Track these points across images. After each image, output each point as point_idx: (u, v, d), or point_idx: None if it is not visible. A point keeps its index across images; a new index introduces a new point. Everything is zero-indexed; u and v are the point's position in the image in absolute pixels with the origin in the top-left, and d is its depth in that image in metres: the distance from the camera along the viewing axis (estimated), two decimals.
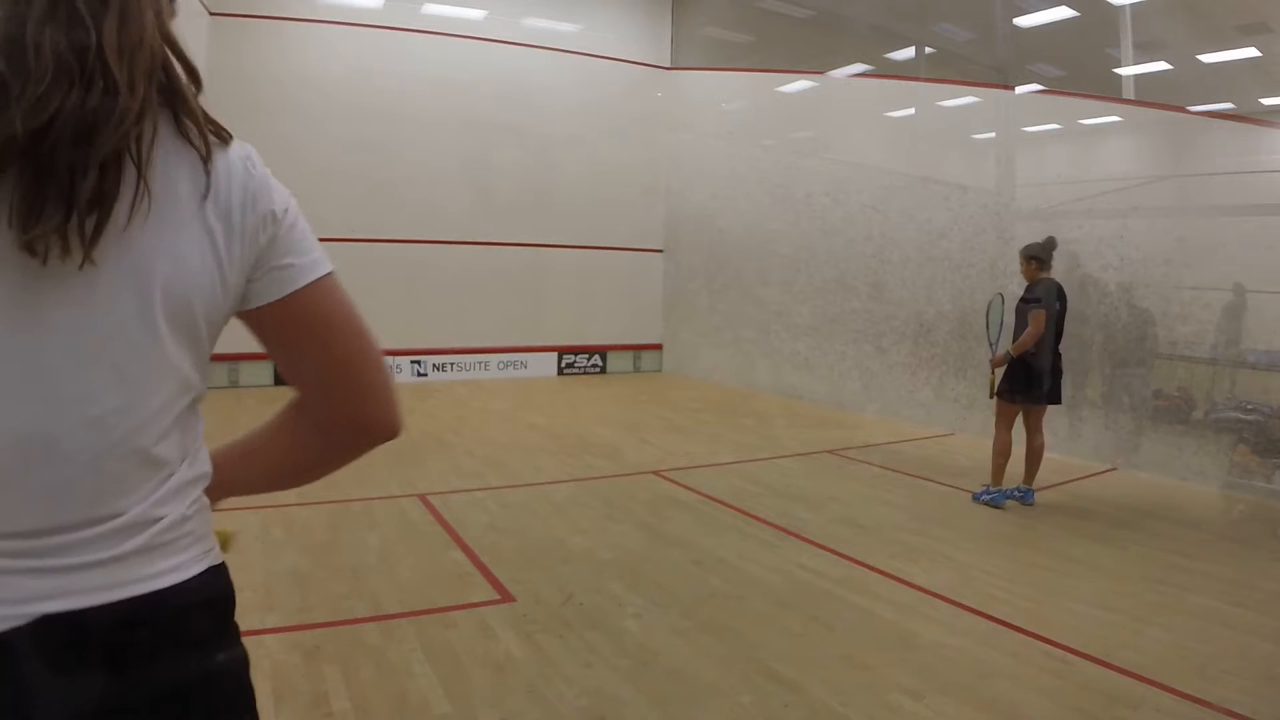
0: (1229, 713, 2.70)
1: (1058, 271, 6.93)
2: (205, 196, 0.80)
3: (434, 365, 10.86)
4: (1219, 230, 6.27)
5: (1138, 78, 7.16)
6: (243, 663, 0.88)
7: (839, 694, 2.81)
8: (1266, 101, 6.93)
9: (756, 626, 3.37)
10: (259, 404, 8.88)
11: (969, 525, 4.93)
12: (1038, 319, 5.13)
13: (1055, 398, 5.34)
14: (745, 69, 11.61)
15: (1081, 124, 7.71)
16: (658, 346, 12.62)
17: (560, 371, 11.73)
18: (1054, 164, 7.81)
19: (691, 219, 11.94)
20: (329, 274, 0.99)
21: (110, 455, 0.77)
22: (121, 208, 0.73)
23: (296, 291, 0.92)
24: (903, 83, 9.26)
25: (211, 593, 0.86)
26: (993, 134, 8.32)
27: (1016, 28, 8.13)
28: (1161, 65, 7.38)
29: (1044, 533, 4.77)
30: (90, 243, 0.71)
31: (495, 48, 11.05)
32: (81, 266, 0.71)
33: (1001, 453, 5.28)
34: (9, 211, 0.69)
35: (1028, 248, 5.41)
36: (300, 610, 3.42)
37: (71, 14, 0.71)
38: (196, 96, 0.87)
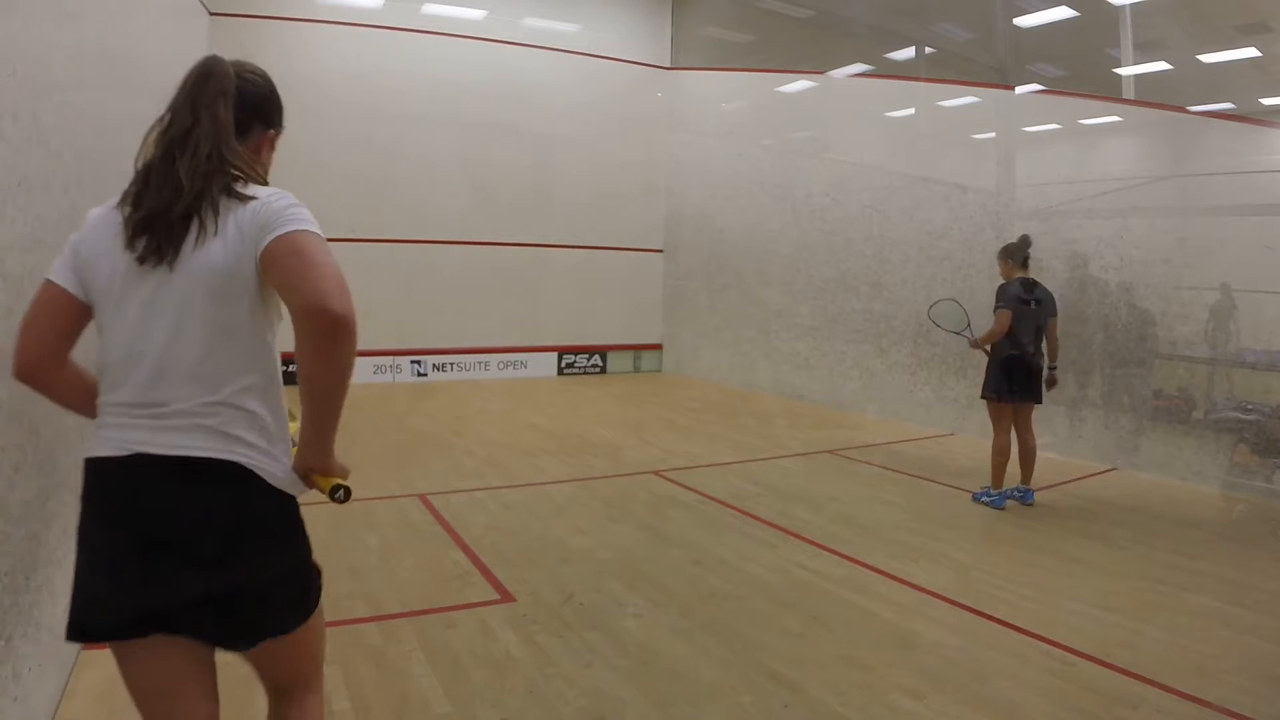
0: (1229, 713, 2.70)
1: (1058, 272, 6.97)
2: (237, 224, 1.49)
3: (434, 365, 10.86)
4: (1219, 230, 6.27)
5: (1138, 78, 7.16)
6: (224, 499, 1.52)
7: (839, 694, 2.81)
8: (1266, 101, 6.92)
9: (756, 626, 3.37)
10: None
11: (969, 525, 4.93)
12: (998, 318, 5.22)
13: (1036, 396, 5.32)
14: (745, 69, 11.61)
15: (1081, 124, 7.71)
16: (658, 346, 12.63)
17: (560, 371, 11.74)
18: (1054, 164, 7.81)
19: (691, 219, 11.94)
20: (299, 230, 1.49)
21: (168, 367, 1.47)
22: (189, 242, 1.47)
23: (272, 240, 1.46)
24: (903, 83, 9.26)
25: (213, 468, 1.47)
26: (993, 134, 8.32)
27: (1016, 28, 8.13)
28: (1161, 65, 7.38)
29: (1044, 533, 4.77)
30: (169, 259, 1.47)
31: (495, 48, 11.05)
32: (171, 268, 1.47)
33: (1000, 453, 5.27)
34: (127, 242, 1.49)
35: (1003, 247, 5.48)
36: None
37: (167, 158, 1.50)
38: (249, 180, 1.55)
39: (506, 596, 3.63)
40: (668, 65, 12.34)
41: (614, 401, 9.70)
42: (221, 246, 1.46)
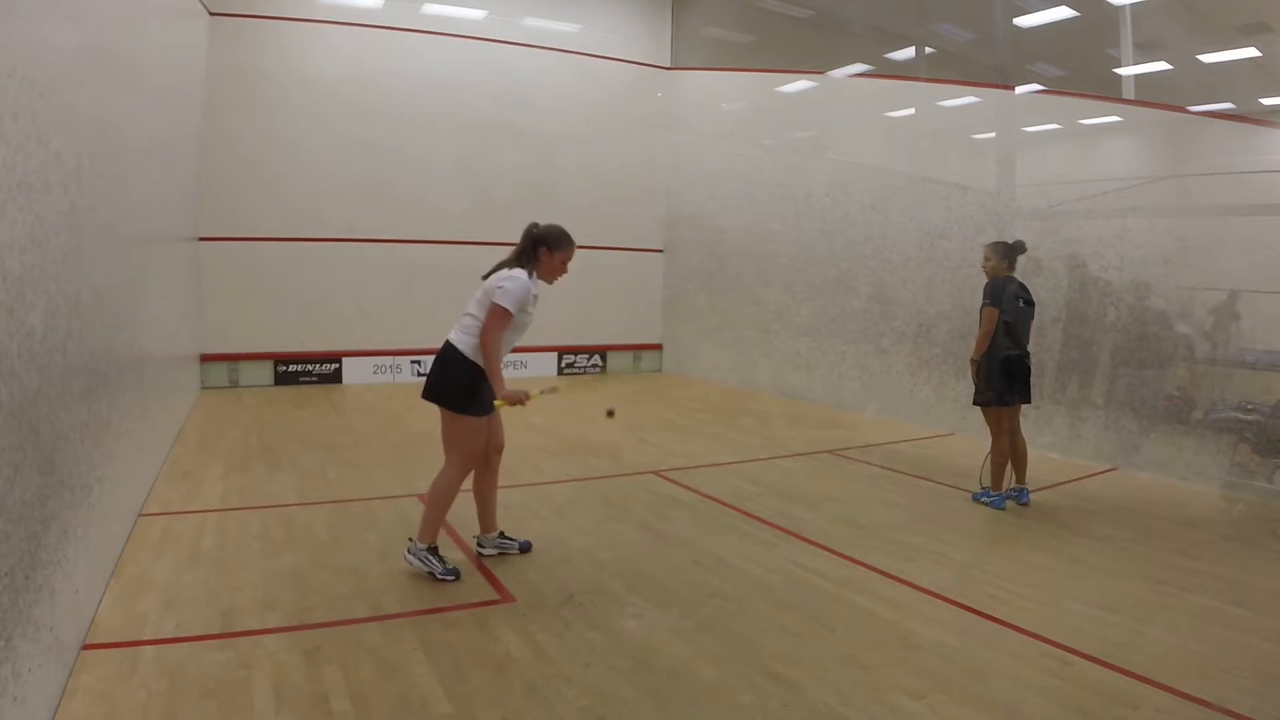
0: (1229, 713, 2.70)
1: (1058, 272, 6.97)
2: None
3: None
4: (1219, 230, 6.27)
5: (1138, 78, 7.16)
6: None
7: (839, 694, 2.81)
8: (1266, 101, 6.92)
9: (756, 626, 3.37)
10: (258, 402, 8.88)
11: (969, 525, 4.93)
12: (987, 316, 5.16)
13: (1025, 396, 5.30)
14: (745, 69, 11.60)
15: (1081, 124, 7.71)
16: (658, 346, 12.62)
17: (560, 371, 11.73)
18: (1054, 164, 7.81)
19: (691, 219, 11.94)
20: (496, 305, 3.65)
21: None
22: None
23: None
24: (903, 83, 9.26)
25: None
26: (993, 134, 8.32)
27: (1016, 28, 8.13)
28: (1161, 65, 7.37)
29: (1044, 533, 4.77)
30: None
31: (495, 48, 11.05)
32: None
33: (1002, 455, 5.25)
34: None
35: (999, 244, 5.38)
36: (300, 610, 3.42)
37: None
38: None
39: (506, 596, 3.63)
40: (668, 65, 12.34)
41: (614, 401, 9.66)
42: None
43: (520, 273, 3.77)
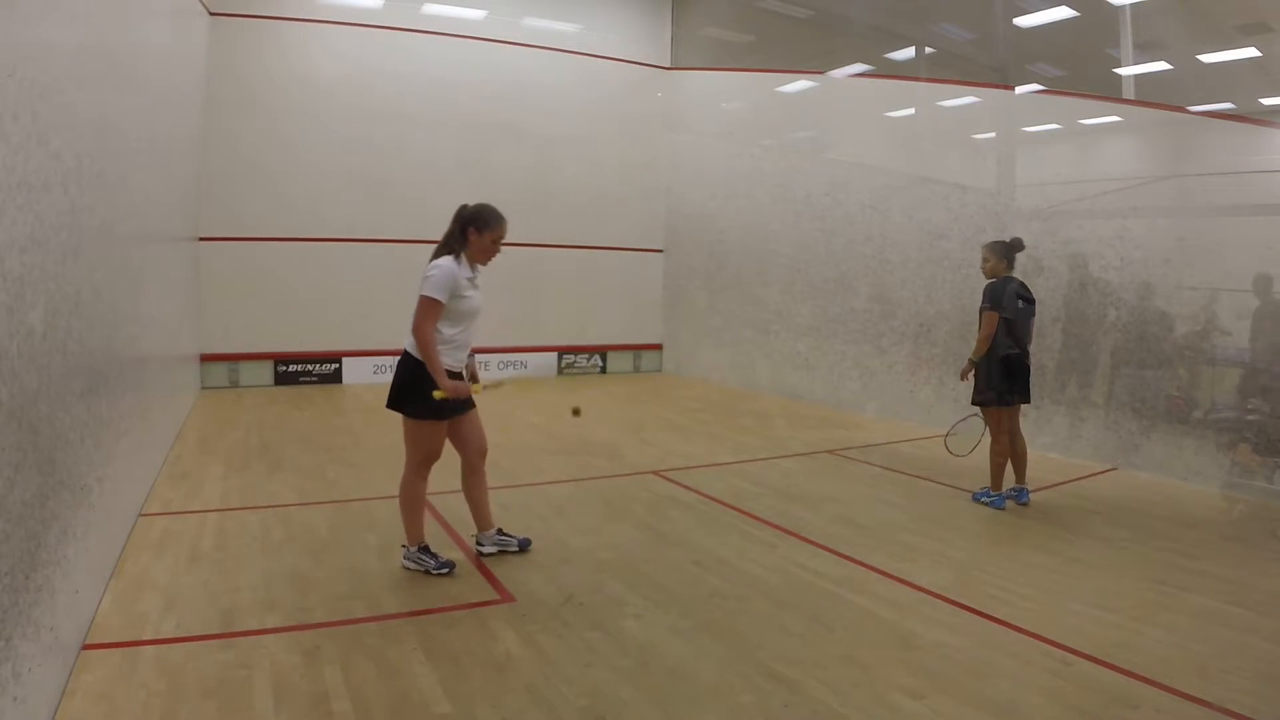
0: (1229, 713, 2.70)
1: (1058, 272, 6.97)
2: None
3: None
4: (1219, 230, 6.26)
5: (1138, 78, 7.16)
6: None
7: (839, 694, 2.81)
8: (1266, 101, 6.93)
9: (756, 626, 3.37)
10: (258, 402, 8.88)
11: (969, 525, 4.93)
12: (987, 320, 5.17)
13: (1024, 396, 5.31)
14: (745, 69, 11.60)
15: (1081, 124, 7.71)
16: (658, 346, 12.62)
17: (560, 371, 11.73)
18: (1054, 164, 7.81)
19: (691, 219, 11.94)
20: (421, 296, 3.74)
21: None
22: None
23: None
24: (903, 83, 9.26)
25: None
26: (993, 134, 8.32)
27: (1016, 28, 8.13)
28: (1161, 65, 7.37)
29: (1044, 533, 4.77)
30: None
31: (495, 48, 11.05)
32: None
33: (1002, 454, 5.26)
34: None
35: (998, 243, 5.35)
36: (300, 610, 3.42)
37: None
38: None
39: (506, 596, 3.63)
40: (668, 65, 12.34)
41: (614, 401, 9.70)
42: None
43: (443, 260, 3.76)
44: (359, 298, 10.36)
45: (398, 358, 3.92)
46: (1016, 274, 5.33)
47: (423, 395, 3.69)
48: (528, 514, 4.94)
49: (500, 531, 4.23)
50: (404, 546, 3.95)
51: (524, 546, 4.21)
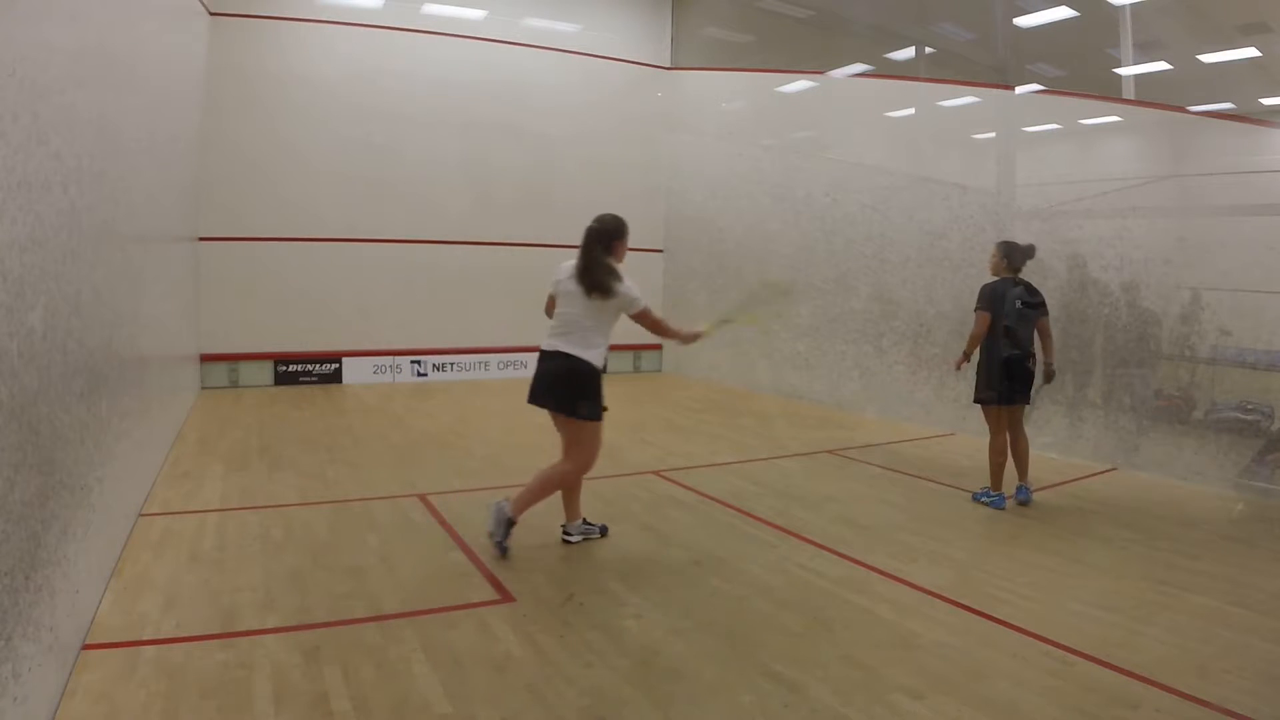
0: (1229, 713, 2.70)
1: (1058, 272, 6.97)
2: None
3: (434, 365, 10.86)
4: (1219, 230, 6.27)
5: (1138, 78, 7.16)
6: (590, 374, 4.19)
7: (839, 694, 2.81)
8: (1266, 101, 6.92)
9: (756, 626, 3.37)
10: (258, 402, 8.88)
11: (969, 525, 4.93)
12: (976, 321, 5.25)
13: (1025, 397, 5.33)
14: (745, 69, 11.60)
15: (1081, 124, 7.71)
16: (658, 346, 12.61)
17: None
18: (1054, 164, 7.81)
19: (691, 219, 11.94)
20: (645, 307, 4.31)
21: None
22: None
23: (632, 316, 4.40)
24: (903, 83, 9.26)
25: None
26: (993, 134, 8.32)
27: (1016, 28, 8.13)
28: (1161, 65, 7.37)
29: (1043, 533, 4.77)
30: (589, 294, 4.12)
31: (495, 48, 11.05)
32: (590, 296, 4.12)
33: (1000, 453, 5.27)
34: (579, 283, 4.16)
35: (1010, 244, 5.38)
36: (300, 610, 3.42)
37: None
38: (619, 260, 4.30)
39: (506, 596, 3.63)
40: (668, 65, 12.34)
41: (614, 401, 9.66)
42: None
43: (626, 279, 4.28)
44: (359, 298, 10.36)
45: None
46: (1021, 277, 5.34)
47: (600, 399, 4.20)
48: (528, 513, 4.93)
49: (585, 521, 4.47)
50: (565, 525, 4.37)
51: (604, 532, 4.51)
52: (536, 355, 4.39)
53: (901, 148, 9.16)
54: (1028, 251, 5.33)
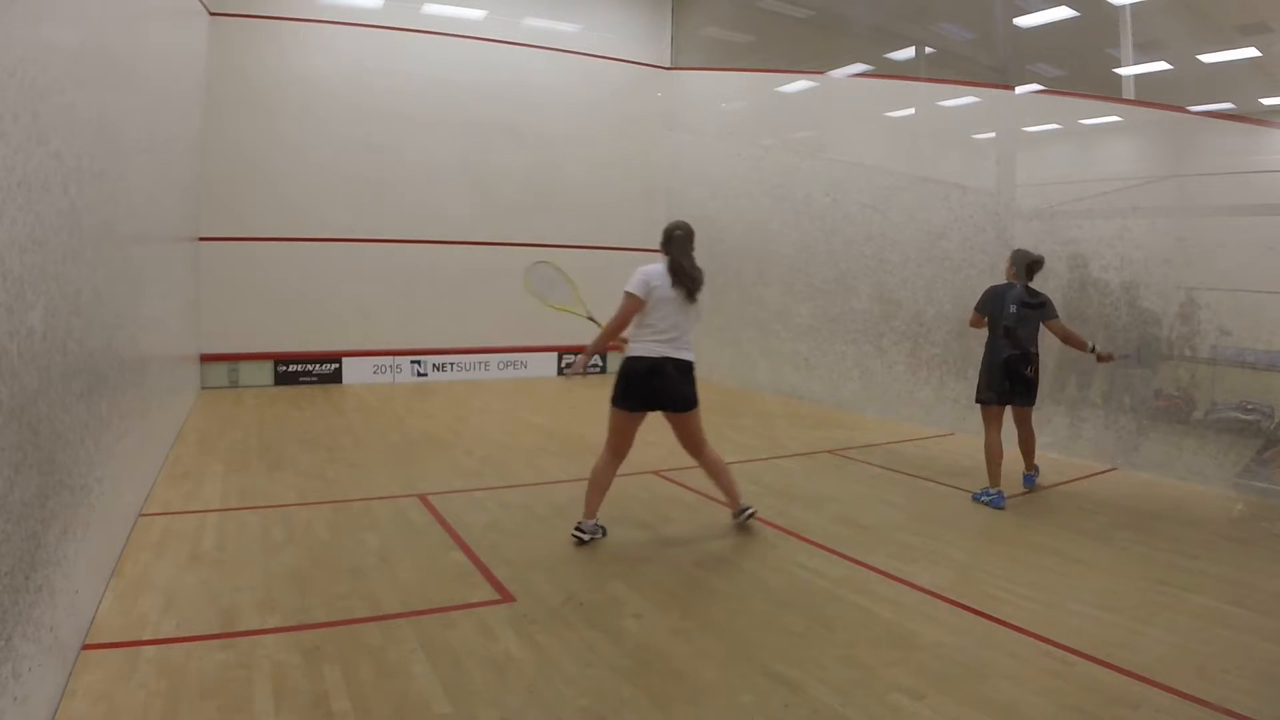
0: (1229, 713, 2.70)
1: (1058, 272, 6.97)
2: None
3: (434, 365, 10.86)
4: (1219, 230, 6.26)
5: (1138, 78, 7.16)
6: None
7: (839, 694, 2.81)
8: (1266, 101, 6.92)
9: (756, 626, 3.37)
10: (258, 402, 8.88)
11: (969, 525, 4.93)
12: (971, 319, 5.54)
13: (1025, 399, 5.40)
14: (745, 69, 11.60)
15: (1081, 124, 7.71)
16: None
17: (560, 371, 11.73)
18: (1054, 164, 7.81)
19: (692, 219, 11.73)
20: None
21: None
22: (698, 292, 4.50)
23: None
24: (903, 83, 9.26)
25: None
26: (993, 134, 8.32)
27: (1016, 28, 8.13)
28: (1161, 65, 7.37)
29: (1044, 533, 4.77)
30: (695, 298, 4.46)
31: (495, 48, 11.05)
32: (693, 300, 4.46)
33: (993, 454, 5.32)
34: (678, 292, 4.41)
35: (1024, 256, 5.48)
36: (300, 610, 3.42)
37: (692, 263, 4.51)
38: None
39: (506, 596, 3.63)
40: (668, 65, 12.34)
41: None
42: None
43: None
44: (359, 298, 10.36)
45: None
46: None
47: None
48: (528, 514, 4.94)
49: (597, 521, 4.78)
50: (739, 509, 4.65)
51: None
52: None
53: (901, 148, 9.16)
54: (1035, 264, 5.40)
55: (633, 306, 4.38)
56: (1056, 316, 5.41)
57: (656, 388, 4.41)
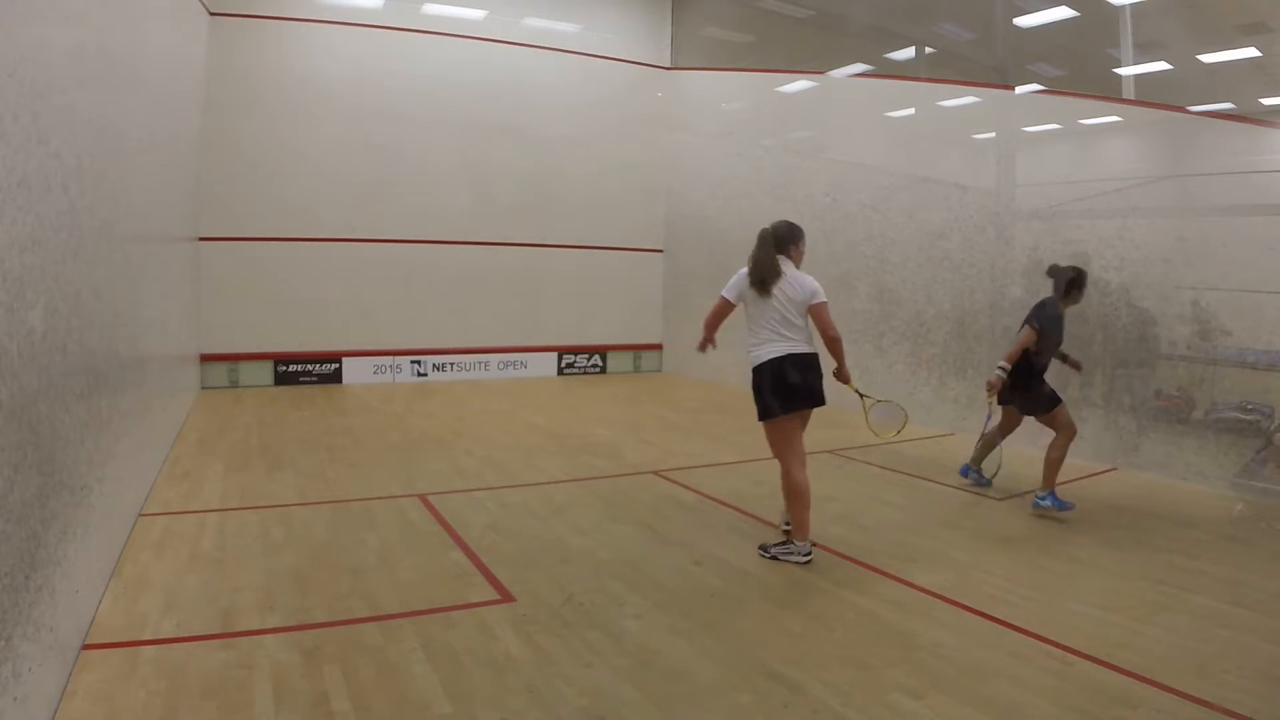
0: (1229, 713, 2.70)
1: None
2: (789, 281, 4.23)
3: (434, 365, 10.86)
4: (1219, 230, 6.26)
5: (1138, 78, 7.16)
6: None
7: (839, 694, 2.81)
8: (1266, 101, 6.92)
9: (756, 626, 3.37)
10: (258, 402, 8.88)
11: (969, 525, 4.93)
12: (1024, 334, 5.36)
13: (1026, 409, 5.41)
14: (745, 69, 11.60)
15: (1081, 124, 7.71)
16: (658, 346, 12.62)
17: (560, 371, 11.73)
18: (1054, 164, 7.80)
19: (691, 219, 11.93)
20: (822, 302, 4.23)
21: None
22: (774, 286, 4.20)
23: (812, 306, 4.22)
24: (903, 83, 9.25)
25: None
26: (993, 134, 8.32)
27: (1016, 28, 8.13)
28: (1161, 65, 7.37)
29: (1044, 533, 4.77)
30: (769, 293, 4.20)
31: (496, 48, 11.05)
32: (770, 296, 4.21)
33: (986, 442, 5.60)
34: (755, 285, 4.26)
35: (1064, 274, 5.40)
36: (300, 610, 3.42)
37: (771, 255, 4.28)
38: (797, 263, 4.38)
39: (506, 596, 3.63)
40: (668, 65, 12.34)
41: (614, 401, 9.70)
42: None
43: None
44: (359, 298, 10.36)
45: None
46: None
47: None
48: (528, 514, 4.94)
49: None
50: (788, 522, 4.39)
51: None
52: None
53: (901, 148, 9.16)
54: (1076, 283, 5.36)
55: (721, 307, 4.47)
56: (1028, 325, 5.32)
57: (793, 388, 4.20)
